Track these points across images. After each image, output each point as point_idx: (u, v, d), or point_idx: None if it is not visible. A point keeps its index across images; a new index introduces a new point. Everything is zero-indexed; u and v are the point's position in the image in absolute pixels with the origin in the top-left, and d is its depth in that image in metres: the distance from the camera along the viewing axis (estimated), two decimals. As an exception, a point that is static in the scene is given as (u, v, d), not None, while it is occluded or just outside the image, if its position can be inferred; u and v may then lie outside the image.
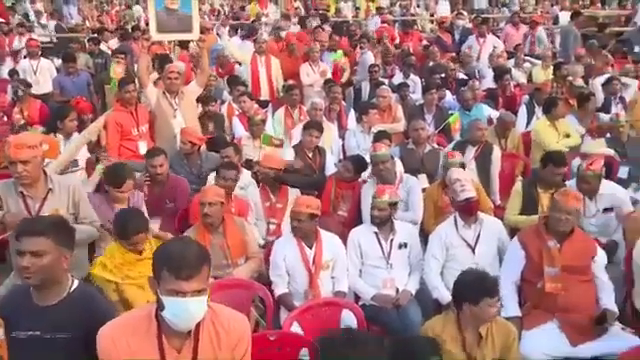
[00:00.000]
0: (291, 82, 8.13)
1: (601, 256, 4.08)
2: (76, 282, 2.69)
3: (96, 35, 11.71)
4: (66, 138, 5.72)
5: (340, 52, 9.16)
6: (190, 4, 6.06)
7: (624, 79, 8.52)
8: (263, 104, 7.82)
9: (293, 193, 5.18)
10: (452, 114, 7.30)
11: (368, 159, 5.40)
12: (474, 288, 3.18)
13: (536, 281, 3.91)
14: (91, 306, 2.62)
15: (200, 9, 17.99)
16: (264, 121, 6.53)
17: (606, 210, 4.91)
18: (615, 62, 10.20)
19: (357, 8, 18.29)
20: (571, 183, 5.05)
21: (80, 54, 9.92)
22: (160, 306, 2.24)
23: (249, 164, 5.84)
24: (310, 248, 4.24)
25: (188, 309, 2.21)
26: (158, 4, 5.98)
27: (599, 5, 20.41)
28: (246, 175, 5.52)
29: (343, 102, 7.78)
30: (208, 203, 4.30)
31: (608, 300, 3.93)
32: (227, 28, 11.80)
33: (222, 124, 7.10)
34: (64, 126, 5.72)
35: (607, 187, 4.95)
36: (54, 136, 5.62)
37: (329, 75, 8.46)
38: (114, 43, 11.33)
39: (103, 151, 5.62)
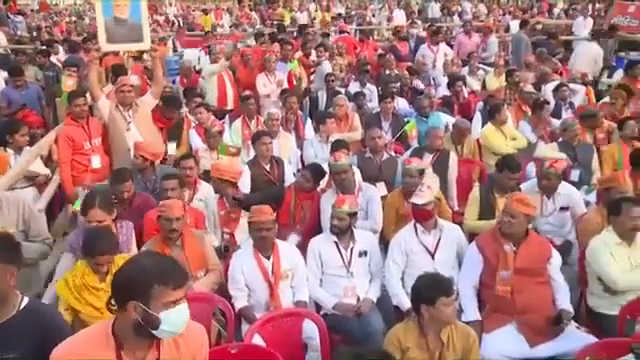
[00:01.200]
0: (247, 93, 8.09)
1: (556, 258, 4.17)
2: (26, 299, 2.61)
3: (45, 47, 11.43)
4: (17, 153, 5.56)
5: (295, 62, 9.16)
6: (140, 13, 5.92)
7: (572, 85, 8.78)
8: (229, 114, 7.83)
9: None
10: (409, 121, 7.39)
11: (326, 168, 5.41)
12: (429, 288, 3.23)
13: (493, 285, 3.97)
14: (42, 324, 2.55)
15: (156, 21, 17.88)
16: (221, 132, 6.48)
17: (562, 209, 5.13)
18: (563, 69, 10.52)
19: (313, 18, 18.39)
20: (530, 183, 5.30)
21: (28, 66, 9.68)
22: (151, 324, 2.17)
23: (208, 176, 5.78)
24: (268, 259, 4.21)
25: (185, 313, 2.23)
26: (106, 13, 5.82)
27: (546, 14, 21.05)
28: (205, 187, 5.45)
29: (300, 112, 7.79)
30: (175, 218, 4.20)
31: (564, 301, 4.01)
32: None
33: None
34: (14, 141, 5.56)
35: (564, 187, 5.21)
36: (4, 151, 5.46)
37: (285, 85, 8.46)
38: (63, 55, 11.07)
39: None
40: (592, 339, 3.72)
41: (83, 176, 5.62)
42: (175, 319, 2.19)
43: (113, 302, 2.21)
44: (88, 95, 6.17)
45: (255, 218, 4.20)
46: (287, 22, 15.29)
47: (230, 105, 8.47)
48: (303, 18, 17.88)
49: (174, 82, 9.39)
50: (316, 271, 4.37)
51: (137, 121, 5.94)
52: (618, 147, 6.28)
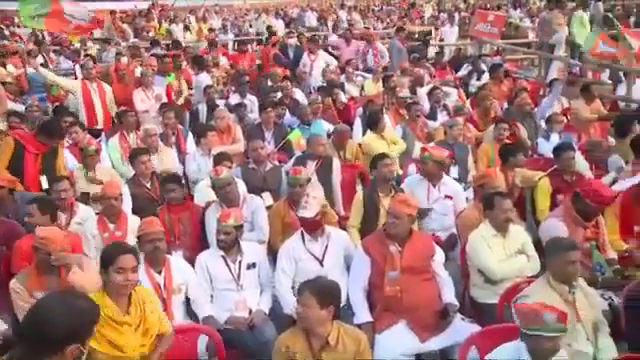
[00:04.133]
0: (124, 109, 7.79)
1: (439, 254, 4.33)
2: None
3: None
4: None
5: (173, 75, 8.94)
6: None
7: (445, 88, 9.21)
8: (99, 133, 7.47)
9: (133, 221, 4.92)
10: (292, 129, 7.43)
11: (209, 182, 5.30)
12: None
13: (382, 285, 4.04)
14: None
15: (13, 33, 16.78)
16: (98, 151, 6.17)
17: (447, 197, 5.43)
18: (436, 73, 11.03)
19: (189, 30, 18.06)
20: (415, 176, 5.69)
21: None
22: None
23: (85, 198, 5.49)
24: (159, 274, 4.11)
25: None
26: None
27: (417, 21, 22.04)
28: (83, 209, 5.17)
29: (180, 126, 7.61)
30: (57, 249, 3.87)
31: (449, 295, 4.16)
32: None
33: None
34: None
35: (448, 178, 5.58)
36: None
37: (164, 99, 8.23)
38: None
39: None
40: (477, 328, 3.87)
41: None
42: None
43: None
44: None
45: (147, 230, 4.12)
46: (162, 35, 14.89)
47: (100, 124, 8.07)
48: (179, 30, 17.50)
49: (43, 100, 8.86)
50: (205, 287, 4.28)
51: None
52: (491, 146, 6.64)
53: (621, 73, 10.26)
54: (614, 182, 5.68)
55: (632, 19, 19.75)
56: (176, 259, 4.33)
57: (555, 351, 3.03)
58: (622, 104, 9.52)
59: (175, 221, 5.01)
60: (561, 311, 3.05)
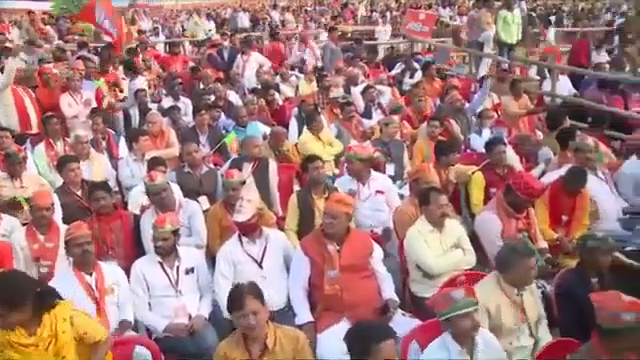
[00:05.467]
0: (49, 114, 7.47)
1: (378, 251, 4.36)
2: None
3: None
4: None
5: (102, 79, 8.68)
6: None
7: (379, 87, 9.31)
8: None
9: (64, 229, 4.73)
10: (227, 132, 7.35)
11: (144, 188, 5.17)
12: (238, 296, 3.25)
13: (322, 285, 4.04)
14: None
15: None
16: (25, 158, 5.91)
17: (378, 192, 5.46)
18: (370, 72, 11.15)
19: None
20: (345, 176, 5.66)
21: None
22: None
23: (14, 205, 5.24)
24: (90, 275, 4.01)
25: None
26: None
27: (351, 21, 22.25)
28: (8, 220, 4.94)
29: (112, 130, 7.41)
30: None
31: (389, 291, 4.21)
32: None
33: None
34: None
35: (376, 175, 5.63)
36: None
37: (94, 104, 7.97)
38: None
39: None
40: (418, 323, 3.91)
41: None
42: None
43: None
44: None
45: (75, 234, 4.03)
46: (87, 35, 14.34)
47: (35, 129, 7.70)
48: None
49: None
50: (142, 295, 4.20)
51: None
52: (425, 143, 6.75)
53: (546, 70, 10.65)
54: (543, 174, 5.88)
55: (552, 18, 20.62)
56: (106, 263, 4.24)
57: (475, 328, 3.18)
58: (548, 99, 9.89)
59: (106, 231, 4.84)
60: (466, 287, 3.23)
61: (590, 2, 28.08)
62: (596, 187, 5.44)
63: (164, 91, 9.20)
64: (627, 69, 11.11)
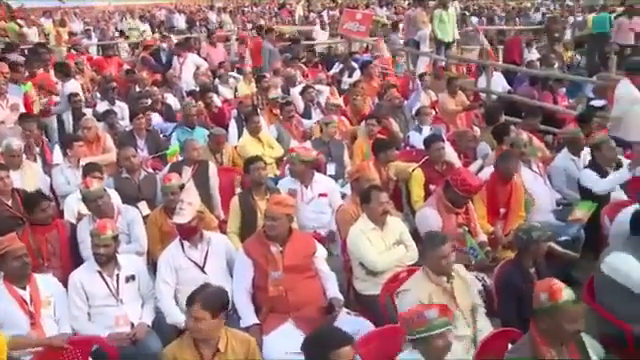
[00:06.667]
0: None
1: (321, 250, 4.38)
2: None
3: None
4: None
5: (29, 84, 8.36)
6: None
7: (318, 86, 9.35)
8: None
9: None
10: (166, 136, 7.21)
11: (80, 195, 5.01)
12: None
13: (266, 287, 4.02)
14: None
15: None
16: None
17: (321, 195, 5.48)
18: (309, 72, 11.17)
19: (47, 34, 16.92)
20: (288, 179, 5.65)
21: None
22: None
23: None
24: (24, 289, 3.88)
25: None
26: None
27: (288, 22, 22.26)
28: None
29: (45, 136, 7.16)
30: None
31: (333, 290, 4.21)
32: None
33: None
34: None
35: (319, 176, 5.64)
36: None
37: (22, 109, 7.66)
38: None
39: None
40: (362, 321, 3.97)
41: None
42: None
43: None
44: None
45: (12, 246, 3.88)
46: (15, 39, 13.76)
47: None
48: (33, 34, 16.25)
49: None
50: (81, 306, 4.06)
51: None
52: (365, 141, 6.80)
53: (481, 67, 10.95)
54: (481, 169, 6.02)
55: (484, 18, 21.19)
56: (41, 275, 4.10)
57: (448, 347, 3.10)
58: (483, 95, 10.15)
59: (42, 242, 4.63)
60: (440, 305, 3.15)
61: (519, 2, 29.03)
62: (530, 180, 5.62)
63: (99, 95, 8.95)
64: (556, 66, 11.55)
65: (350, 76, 10.99)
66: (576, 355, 3.17)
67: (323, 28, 18.09)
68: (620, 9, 15.52)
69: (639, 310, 3.81)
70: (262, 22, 22.02)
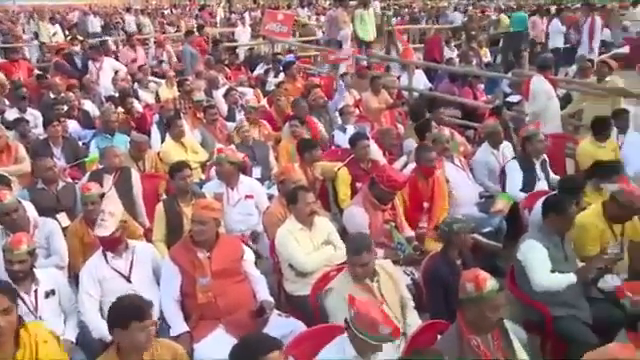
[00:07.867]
0: None
1: (249, 254, 4.34)
2: None
3: None
4: None
5: None
6: None
7: (241, 88, 9.27)
8: None
9: None
10: (84, 144, 6.95)
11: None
12: (121, 313, 3.07)
13: (195, 293, 3.95)
14: None
15: None
16: None
17: (247, 197, 5.45)
18: (231, 74, 11.06)
19: None
20: (214, 181, 5.60)
21: None
22: None
23: None
24: None
25: None
26: None
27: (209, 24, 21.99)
28: None
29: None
30: None
31: (263, 293, 4.17)
32: None
33: None
34: None
35: (245, 178, 5.61)
36: None
37: None
38: None
39: None
40: (294, 322, 3.96)
41: None
42: None
43: None
44: None
45: None
46: None
47: None
48: None
49: None
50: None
51: None
52: (290, 142, 6.79)
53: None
54: (406, 165, 6.12)
55: (407, 17, 21.68)
56: None
57: (379, 349, 3.15)
58: (406, 93, 10.35)
59: None
60: (395, 326, 3.13)
61: (435, 2, 29.85)
62: (453, 174, 5.76)
63: (7, 102, 8.51)
64: (474, 63, 11.94)
65: (276, 76, 10.95)
66: (500, 341, 3.27)
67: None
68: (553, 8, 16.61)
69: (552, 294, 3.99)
70: (182, 23, 21.72)
